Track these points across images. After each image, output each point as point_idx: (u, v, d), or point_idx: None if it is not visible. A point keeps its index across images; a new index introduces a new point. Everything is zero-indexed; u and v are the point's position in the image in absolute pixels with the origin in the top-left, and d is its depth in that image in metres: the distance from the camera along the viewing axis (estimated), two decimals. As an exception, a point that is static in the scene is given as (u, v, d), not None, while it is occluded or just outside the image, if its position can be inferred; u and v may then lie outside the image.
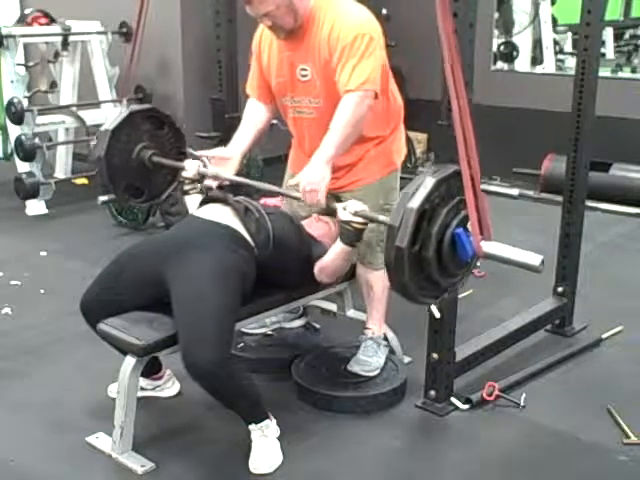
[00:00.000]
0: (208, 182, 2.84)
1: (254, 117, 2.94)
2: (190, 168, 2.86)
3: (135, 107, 3.07)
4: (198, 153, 2.94)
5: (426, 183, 2.10)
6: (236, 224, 2.61)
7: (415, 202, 2.07)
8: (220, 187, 2.86)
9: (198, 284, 2.42)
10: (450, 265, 2.18)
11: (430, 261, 2.13)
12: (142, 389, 2.79)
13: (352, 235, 2.53)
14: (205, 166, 2.86)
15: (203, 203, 2.78)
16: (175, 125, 3.12)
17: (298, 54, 2.71)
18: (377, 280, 2.99)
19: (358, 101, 2.57)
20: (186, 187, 2.91)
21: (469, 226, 2.15)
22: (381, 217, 2.44)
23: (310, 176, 2.57)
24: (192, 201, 2.90)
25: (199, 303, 2.38)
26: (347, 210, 2.48)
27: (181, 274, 2.46)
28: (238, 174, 2.86)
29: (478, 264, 4.16)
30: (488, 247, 2.15)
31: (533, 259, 2.13)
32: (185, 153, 3.09)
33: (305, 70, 2.70)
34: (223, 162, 2.85)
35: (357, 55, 2.57)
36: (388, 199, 2.86)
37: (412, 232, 2.06)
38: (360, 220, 2.48)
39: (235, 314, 2.48)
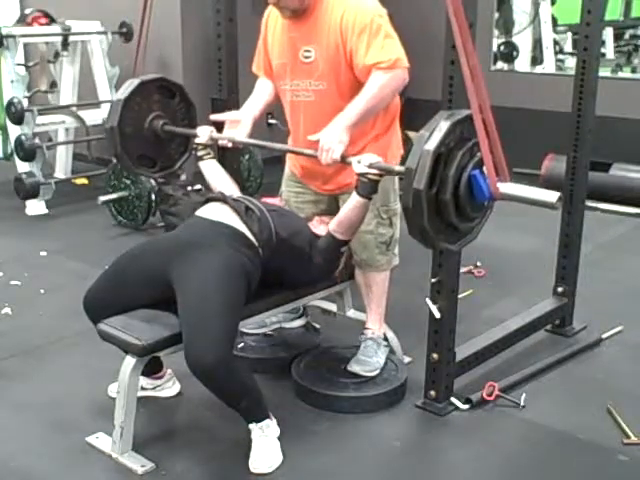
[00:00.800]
0: (223, 143, 2.90)
1: (264, 89, 2.97)
2: (203, 134, 2.92)
3: (145, 77, 3.05)
4: (212, 117, 2.98)
5: (441, 126, 2.11)
6: (238, 224, 2.62)
7: (431, 144, 2.08)
8: (225, 148, 2.88)
9: (203, 284, 2.42)
10: (467, 208, 2.19)
11: (447, 203, 2.14)
12: (142, 388, 2.80)
13: (368, 187, 2.55)
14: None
15: (204, 203, 2.78)
16: (186, 94, 3.13)
17: (303, 35, 2.72)
18: (376, 281, 2.99)
19: (392, 76, 2.61)
20: (200, 153, 2.96)
21: (485, 169, 2.16)
22: (397, 167, 2.47)
23: (329, 136, 2.59)
24: (206, 166, 2.96)
25: (203, 302, 2.39)
26: (362, 163, 2.51)
27: (186, 274, 2.46)
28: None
29: (479, 263, 4.19)
30: (504, 188, 2.17)
31: (550, 196, 2.14)
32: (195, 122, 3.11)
33: (308, 52, 2.71)
34: (235, 125, 2.89)
35: (381, 35, 2.61)
36: (385, 201, 2.86)
37: (429, 174, 2.07)
38: (375, 172, 2.51)
39: (239, 314, 2.49)
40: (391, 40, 2.64)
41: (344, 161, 2.59)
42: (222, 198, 2.73)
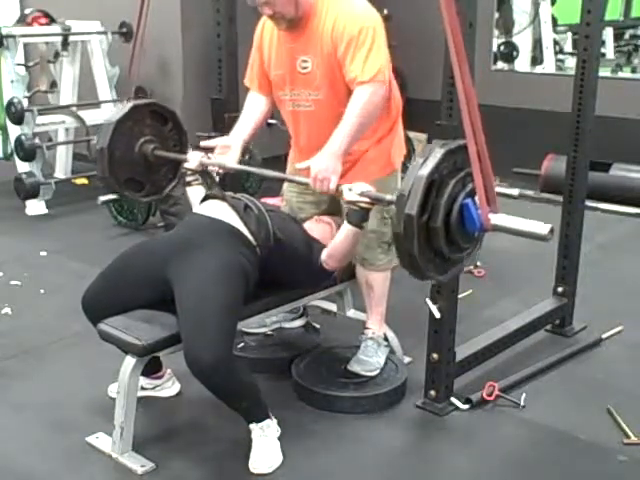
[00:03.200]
0: (213, 169, 2.87)
1: (254, 108, 2.95)
2: (192, 159, 2.88)
3: (137, 101, 3.05)
4: (202, 144, 2.95)
5: (435, 153, 2.11)
6: (237, 222, 2.62)
7: (425, 170, 2.08)
8: (222, 180, 2.86)
9: (201, 283, 2.42)
10: (458, 237, 2.18)
11: (438, 232, 2.13)
12: (142, 388, 2.80)
13: (359, 215, 2.54)
14: (207, 157, 2.87)
15: (203, 200, 2.78)
16: (178, 120, 3.11)
17: (299, 46, 2.71)
18: (377, 280, 2.99)
19: (372, 91, 2.59)
20: (188, 178, 2.93)
21: (477, 199, 2.15)
22: (388, 196, 2.46)
23: (322, 165, 2.57)
24: (194, 193, 2.92)
25: (201, 302, 2.39)
26: (353, 191, 2.50)
27: (184, 273, 2.46)
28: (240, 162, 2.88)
29: (479, 263, 4.19)
30: (496, 219, 2.15)
31: (541, 228, 2.13)
32: (187, 149, 3.09)
33: (306, 62, 2.70)
34: (225, 151, 2.87)
35: (366, 47, 2.59)
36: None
37: (421, 200, 2.07)
38: (366, 200, 2.50)
39: (237, 313, 2.48)
40: (376, 53, 2.60)
41: (337, 190, 2.57)
42: (221, 195, 2.73)
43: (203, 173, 2.87)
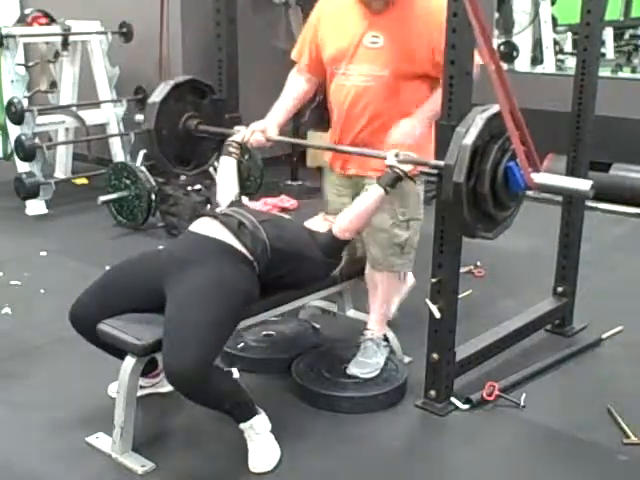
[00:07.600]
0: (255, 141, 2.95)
1: (293, 89, 3.01)
2: (239, 133, 2.97)
3: (178, 79, 3.21)
4: (237, 128, 3.03)
5: (477, 122, 2.22)
6: (232, 240, 2.60)
7: (469, 139, 2.21)
8: None
9: (189, 297, 2.41)
10: (504, 198, 2.31)
11: (486, 196, 2.27)
12: (141, 387, 2.79)
13: (390, 178, 2.60)
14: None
15: (196, 217, 2.77)
16: (215, 94, 3.27)
17: (377, 22, 2.73)
18: (383, 281, 2.98)
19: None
20: (231, 149, 2.99)
21: (518, 160, 2.25)
22: (432, 161, 2.53)
23: (402, 129, 2.69)
24: (226, 162, 2.98)
25: (185, 315, 2.36)
26: (397, 157, 2.57)
27: (177, 288, 2.45)
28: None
29: (479, 263, 4.19)
30: (539, 178, 2.28)
31: (583, 185, 2.27)
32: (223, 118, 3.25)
33: (376, 37, 2.73)
34: (260, 134, 2.94)
35: None
36: (405, 203, 2.83)
37: (468, 168, 2.19)
38: (403, 167, 2.57)
39: (225, 330, 2.45)
40: None
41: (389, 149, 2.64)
42: (213, 214, 2.71)
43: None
